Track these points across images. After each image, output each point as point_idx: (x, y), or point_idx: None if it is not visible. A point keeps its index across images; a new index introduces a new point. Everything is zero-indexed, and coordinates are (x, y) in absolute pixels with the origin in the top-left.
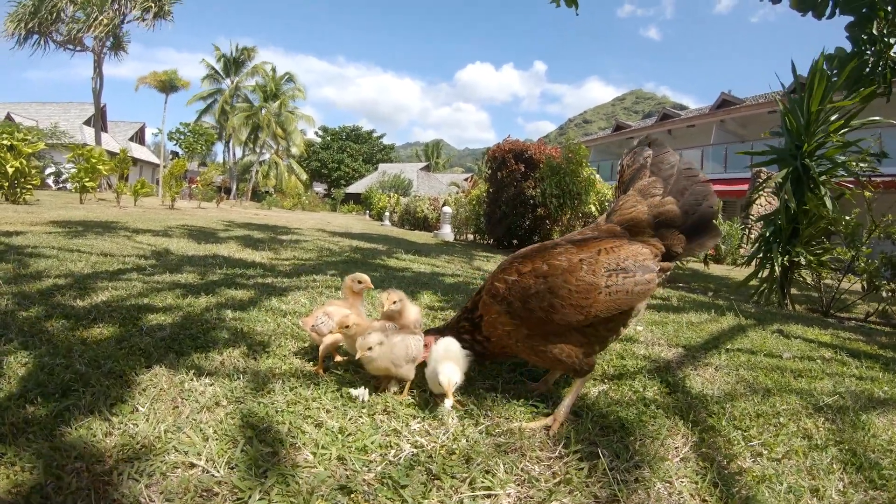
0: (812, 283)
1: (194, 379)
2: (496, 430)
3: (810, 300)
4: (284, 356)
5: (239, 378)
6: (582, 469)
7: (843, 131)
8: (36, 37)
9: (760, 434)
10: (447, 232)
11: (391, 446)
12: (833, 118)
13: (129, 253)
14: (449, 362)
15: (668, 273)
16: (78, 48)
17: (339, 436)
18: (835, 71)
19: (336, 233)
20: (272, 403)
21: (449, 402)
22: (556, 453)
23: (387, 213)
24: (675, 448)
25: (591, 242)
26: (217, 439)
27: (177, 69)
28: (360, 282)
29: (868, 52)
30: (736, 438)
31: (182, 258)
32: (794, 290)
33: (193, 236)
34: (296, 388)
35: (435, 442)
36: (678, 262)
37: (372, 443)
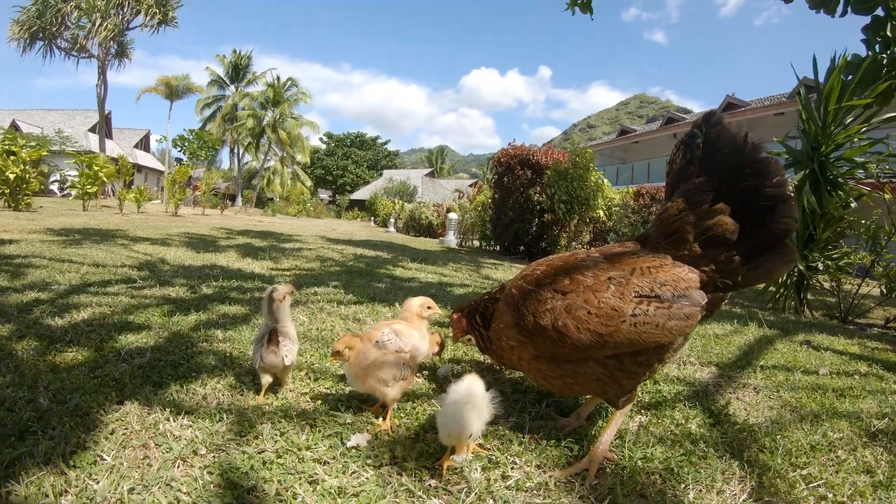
0: (830, 289)
1: (171, 419)
2: (528, 485)
3: (826, 306)
4: (276, 389)
5: (222, 419)
6: None
7: (864, 130)
8: (41, 43)
9: (821, 473)
10: (452, 238)
11: None
12: (849, 120)
13: (122, 263)
14: (468, 407)
15: (719, 307)
16: (83, 55)
17: (339, 499)
18: (850, 77)
19: (340, 240)
20: (259, 453)
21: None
22: None
23: (391, 220)
24: (734, 495)
25: (626, 259)
26: (190, 503)
27: (188, 74)
28: (429, 307)
29: (884, 56)
30: (796, 480)
31: (177, 269)
32: (809, 296)
33: (192, 245)
34: (287, 432)
35: None
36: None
37: None
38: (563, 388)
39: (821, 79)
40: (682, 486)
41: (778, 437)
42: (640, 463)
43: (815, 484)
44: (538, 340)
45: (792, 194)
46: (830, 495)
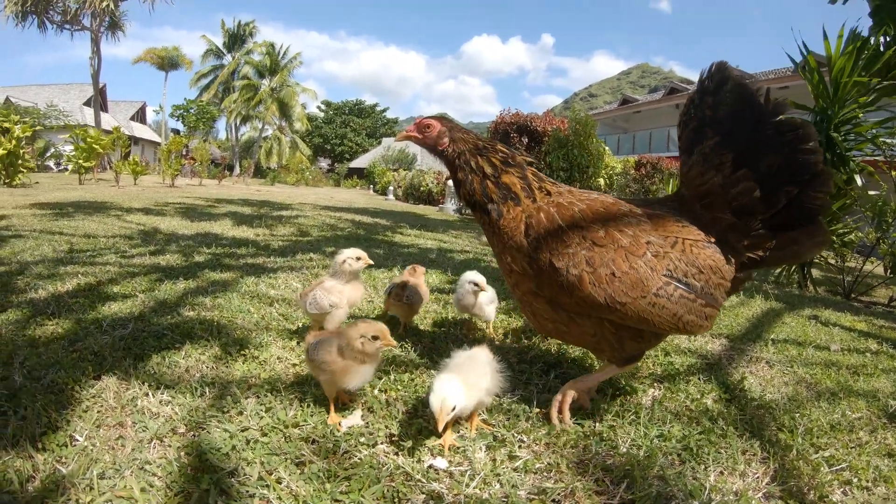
0: (836, 264)
1: (149, 394)
2: (537, 466)
3: (829, 282)
4: (264, 361)
5: (204, 393)
6: None
7: (873, 104)
8: (33, 18)
9: (843, 456)
10: (451, 206)
11: (399, 499)
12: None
13: (114, 234)
14: (456, 380)
15: (742, 286)
16: (76, 27)
17: (328, 484)
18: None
19: (338, 208)
20: (242, 431)
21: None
22: (618, 498)
23: (391, 188)
24: (756, 478)
25: (670, 224)
26: (164, 489)
27: (178, 46)
28: (358, 258)
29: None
30: (819, 462)
31: (170, 237)
32: (813, 272)
33: (187, 214)
34: (273, 407)
35: (459, 490)
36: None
37: (372, 495)
38: (553, 331)
39: (821, 51)
40: (703, 467)
41: (797, 415)
42: (656, 441)
43: (839, 467)
44: (544, 279)
45: (826, 166)
46: (855, 480)
